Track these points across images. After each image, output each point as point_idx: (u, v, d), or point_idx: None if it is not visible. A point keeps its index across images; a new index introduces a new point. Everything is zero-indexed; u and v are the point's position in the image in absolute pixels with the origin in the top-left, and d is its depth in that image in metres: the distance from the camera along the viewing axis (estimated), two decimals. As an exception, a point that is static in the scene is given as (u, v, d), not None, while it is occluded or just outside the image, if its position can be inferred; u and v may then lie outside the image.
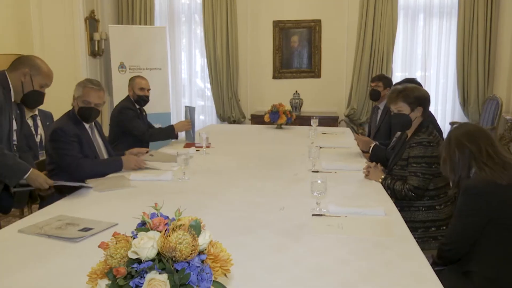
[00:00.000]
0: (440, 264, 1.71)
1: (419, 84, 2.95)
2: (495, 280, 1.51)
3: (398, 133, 2.85)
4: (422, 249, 1.45)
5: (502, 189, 1.54)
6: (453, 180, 1.71)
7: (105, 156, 2.50)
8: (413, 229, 2.06)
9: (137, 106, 3.34)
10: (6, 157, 1.85)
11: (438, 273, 1.24)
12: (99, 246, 0.91)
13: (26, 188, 1.94)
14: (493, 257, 1.54)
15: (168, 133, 3.32)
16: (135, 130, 3.20)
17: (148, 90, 3.37)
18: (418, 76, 5.44)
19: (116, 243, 0.89)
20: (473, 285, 1.54)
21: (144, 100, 3.34)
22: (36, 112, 3.23)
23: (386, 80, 3.63)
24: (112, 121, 3.30)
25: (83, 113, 2.35)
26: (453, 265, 1.67)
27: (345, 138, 3.53)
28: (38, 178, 1.90)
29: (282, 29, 5.55)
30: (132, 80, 3.39)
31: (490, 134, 1.69)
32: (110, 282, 0.85)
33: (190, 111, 3.45)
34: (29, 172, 1.87)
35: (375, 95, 3.63)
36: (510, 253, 1.53)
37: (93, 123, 2.46)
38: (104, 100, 2.44)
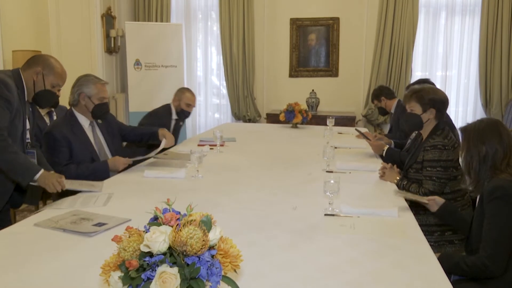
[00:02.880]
0: (466, 276, 1.56)
1: (433, 84, 2.96)
2: None
3: (413, 135, 2.81)
4: (436, 252, 1.41)
5: None
6: (469, 173, 1.62)
7: (108, 154, 2.42)
8: (429, 233, 2.04)
9: (175, 117, 3.37)
10: (19, 156, 1.84)
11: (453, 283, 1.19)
12: (112, 240, 0.93)
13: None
14: None
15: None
16: None
17: (193, 107, 3.42)
18: (438, 76, 5.33)
19: (129, 237, 0.91)
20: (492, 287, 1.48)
21: (186, 116, 3.42)
22: (52, 109, 3.29)
23: (378, 94, 3.73)
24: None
25: (100, 110, 2.33)
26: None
27: (361, 139, 3.49)
28: (47, 179, 1.86)
29: (299, 27, 5.52)
30: (181, 92, 3.40)
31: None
32: (122, 274, 0.87)
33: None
34: (40, 172, 1.86)
35: (382, 111, 3.84)
36: None
37: (93, 122, 2.40)
38: None
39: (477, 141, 1.60)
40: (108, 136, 2.47)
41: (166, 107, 3.41)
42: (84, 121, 2.35)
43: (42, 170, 1.87)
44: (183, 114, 3.41)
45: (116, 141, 2.54)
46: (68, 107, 2.42)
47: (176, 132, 3.48)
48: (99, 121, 2.47)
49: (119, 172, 2.32)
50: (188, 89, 3.50)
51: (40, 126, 3.12)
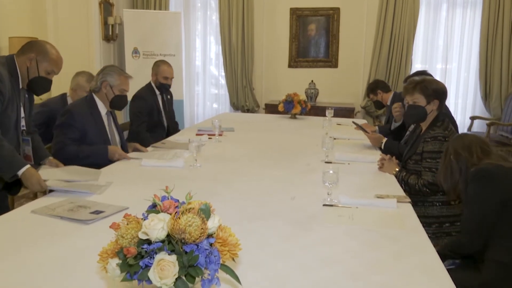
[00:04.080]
0: (450, 256, 1.68)
1: (431, 76, 2.99)
2: (507, 264, 1.50)
3: (412, 127, 2.80)
4: (436, 245, 1.42)
5: (507, 170, 1.57)
6: (446, 187, 1.77)
7: (119, 145, 2.47)
8: (426, 225, 2.05)
9: (158, 92, 3.38)
10: (3, 148, 1.76)
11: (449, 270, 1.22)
12: (110, 227, 0.92)
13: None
14: (506, 241, 1.52)
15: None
16: (133, 124, 3.26)
17: (172, 78, 3.40)
18: (438, 69, 5.31)
19: (127, 224, 0.90)
20: (485, 272, 1.52)
21: (166, 88, 3.40)
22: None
23: (374, 87, 3.77)
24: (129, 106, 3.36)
25: (118, 101, 2.39)
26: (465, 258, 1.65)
27: (360, 130, 3.48)
28: (31, 178, 1.75)
29: (299, 17, 5.46)
30: (157, 66, 3.38)
31: (484, 139, 1.76)
32: (120, 261, 0.86)
33: None
34: (25, 168, 1.75)
35: (378, 105, 3.84)
36: None
37: (109, 112, 2.45)
38: None
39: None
40: (118, 127, 2.55)
41: (147, 87, 3.40)
42: (102, 108, 2.39)
43: (27, 166, 1.77)
44: (164, 88, 3.37)
45: (121, 133, 2.59)
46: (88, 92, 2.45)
47: (168, 107, 3.49)
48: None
49: (114, 162, 2.31)
50: (163, 62, 3.42)
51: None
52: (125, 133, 3.44)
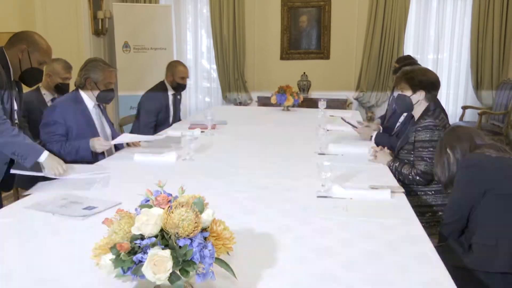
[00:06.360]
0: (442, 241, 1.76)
1: (415, 62, 3.12)
2: (494, 246, 1.54)
3: (402, 119, 2.81)
4: (429, 234, 1.43)
5: (493, 160, 1.61)
6: (444, 180, 1.79)
7: (109, 136, 2.44)
8: (420, 214, 2.06)
9: (171, 92, 3.44)
10: (25, 138, 1.82)
11: (442, 249, 1.25)
12: (103, 222, 0.92)
13: (33, 172, 1.88)
14: (492, 225, 1.58)
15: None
16: (141, 120, 3.30)
17: (187, 78, 3.49)
18: (430, 59, 5.33)
19: (120, 219, 0.89)
20: (473, 255, 1.57)
21: (183, 88, 3.49)
22: (56, 95, 3.18)
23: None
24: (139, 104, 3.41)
25: (106, 96, 2.35)
26: (458, 240, 1.70)
27: (353, 121, 3.48)
28: (53, 161, 1.83)
29: (290, 9, 5.43)
30: (173, 66, 3.42)
31: (477, 130, 1.83)
32: (114, 257, 0.85)
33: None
34: (46, 153, 1.82)
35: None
36: (507, 220, 1.57)
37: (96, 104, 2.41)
38: None
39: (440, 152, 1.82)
40: (108, 121, 2.52)
41: (161, 85, 3.44)
42: (89, 102, 2.35)
43: (47, 152, 1.85)
44: (180, 87, 3.47)
45: (112, 126, 2.55)
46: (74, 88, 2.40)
47: (176, 107, 3.56)
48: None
49: (99, 154, 2.28)
50: (179, 62, 3.51)
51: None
52: (129, 126, 3.48)
